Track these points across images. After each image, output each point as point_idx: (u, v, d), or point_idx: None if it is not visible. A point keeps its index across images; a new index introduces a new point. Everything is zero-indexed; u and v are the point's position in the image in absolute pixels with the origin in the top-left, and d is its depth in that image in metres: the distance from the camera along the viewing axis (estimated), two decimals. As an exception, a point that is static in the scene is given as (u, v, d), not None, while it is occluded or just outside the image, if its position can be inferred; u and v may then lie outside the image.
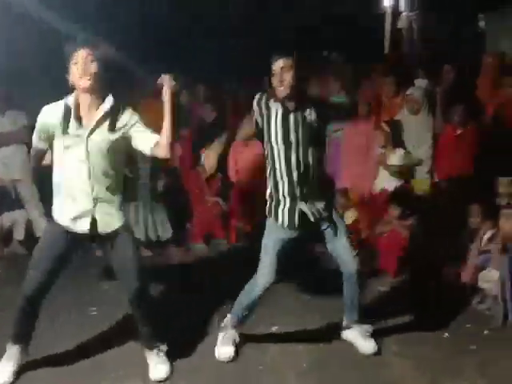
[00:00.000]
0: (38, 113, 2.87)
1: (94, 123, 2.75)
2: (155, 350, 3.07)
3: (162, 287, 4.25)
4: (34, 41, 6.78)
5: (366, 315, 3.42)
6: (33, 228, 5.60)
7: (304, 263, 4.41)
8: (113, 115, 2.79)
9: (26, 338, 3.05)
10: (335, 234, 3.12)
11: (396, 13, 8.39)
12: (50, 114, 2.79)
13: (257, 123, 3.06)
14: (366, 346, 3.26)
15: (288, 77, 2.89)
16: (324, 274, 4.13)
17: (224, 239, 5.52)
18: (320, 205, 3.07)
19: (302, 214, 3.04)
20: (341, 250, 3.14)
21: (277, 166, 3.02)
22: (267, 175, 3.12)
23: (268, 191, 3.13)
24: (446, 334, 3.49)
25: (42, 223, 5.58)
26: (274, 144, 3.01)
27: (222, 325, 3.31)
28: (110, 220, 2.87)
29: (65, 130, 2.74)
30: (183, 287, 4.32)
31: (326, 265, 4.17)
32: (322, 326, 3.57)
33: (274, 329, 3.57)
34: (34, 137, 2.92)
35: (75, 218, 2.82)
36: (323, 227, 3.12)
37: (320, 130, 3.06)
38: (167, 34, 7.84)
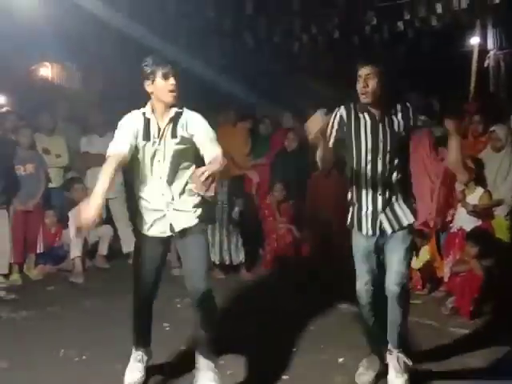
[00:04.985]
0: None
1: (162, 131, 2.93)
2: (207, 361, 3.08)
3: (233, 309, 4.36)
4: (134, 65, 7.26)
5: (437, 356, 3.35)
6: (121, 244, 5.95)
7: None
8: (177, 122, 2.94)
9: (147, 342, 3.26)
10: (397, 247, 3.06)
11: (483, 51, 8.26)
12: (133, 121, 2.97)
13: (337, 134, 3.02)
14: (395, 381, 3.14)
15: (372, 83, 2.91)
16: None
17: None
18: (399, 215, 3.05)
19: (381, 224, 3.04)
20: (394, 264, 3.05)
21: (361, 175, 3.03)
22: (349, 184, 3.12)
23: (349, 198, 3.14)
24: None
25: (130, 240, 5.95)
26: (361, 153, 3.01)
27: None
28: (183, 219, 2.99)
29: (146, 138, 2.92)
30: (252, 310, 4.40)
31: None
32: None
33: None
34: (118, 138, 2.92)
35: (155, 222, 2.99)
36: (391, 237, 3.07)
37: (406, 139, 3.08)
38: (254, 64, 8.15)
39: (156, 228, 3.01)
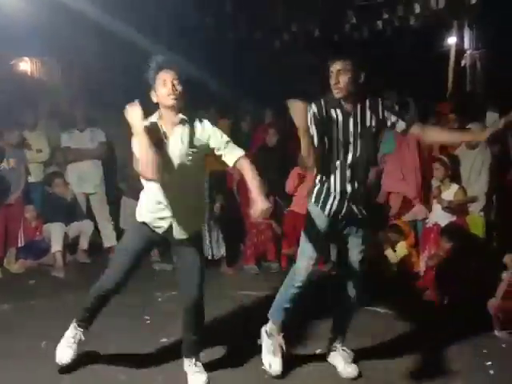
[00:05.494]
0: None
1: (173, 138, 2.95)
2: (194, 359, 3.20)
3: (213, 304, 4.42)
4: (113, 61, 7.26)
5: (413, 348, 3.47)
6: (101, 238, 5.99)
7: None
8: (189, 129, 2.97)
9: (89, 324, 3.32)
10: (359, 240, 3.16)
11: (460, 51, 8.43)
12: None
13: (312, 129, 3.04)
14: (348, 370, 3.27)
15: (344, 79, 2.93)
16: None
17: (276, 262, 5.68)
18: (361, 206, 3.14)
19: (346, 211, 3.11)
20: (354, 257, 3.17)
21: (333, 167, 3.08)
22: (319, 170, 3.15)
23: (318, 179, 3.16)
24: (491, 372, 3.45)
25: (110, 234, 5.99)
26: (332, 148, 3.06)
27: (266, 330, 3.33)
28: (186, 226, 3.05)
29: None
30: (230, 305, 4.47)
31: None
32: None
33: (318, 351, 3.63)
34: None
35: (159, 220, 3.03)
36: (352, 228, 3.16)
37: (377, 136, 3.13)
38: (235, 61, 8.19)
39: (157, 222, 3.04)
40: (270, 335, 3.32)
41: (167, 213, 3.02)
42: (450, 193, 5.01)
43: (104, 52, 7.14)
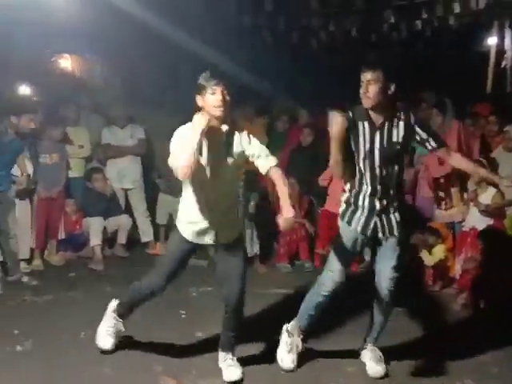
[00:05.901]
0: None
1: (216, 145, 3.01)
2: (230, 354, 3.32)
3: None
4: (155, 59, 7.39)
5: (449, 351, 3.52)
6: (139, 233, 6.13)
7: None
8: (231, 141, 3.05)
9: (128, 316, 3.54)
10: (390, 255, 3.19)
11: (500, 51, 8.28)
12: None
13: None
14: (375, 368, 3.31)
15: (373, 89, 2.97)
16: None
17: (309, 261, 5.70)
18: (392, 222, 3.16)
19: (374, 227, 3.15)
20: (386, 271, 3.20)
21: (361, 178, 3.13)
22: (350, 186, 3.21)
23: (345, 196, 3.23)
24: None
25: (147, 229, 6.10)
26: (359, 160, 3.11)
27: (287, 329, 3.43)
28: (229, 232, 3.19)
29: (200, 152, 2.96)
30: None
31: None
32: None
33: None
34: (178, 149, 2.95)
35: (201, 233, 3.16)
36: (383, 243, 3.19)
37: (404, 149, 3.15)
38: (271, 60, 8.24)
39: (201, 238, 3.17)
40: (290, 334, 3.42)
41: (209, 224, 3.11)
42: (487, 196, 4.93)
43: (146, 50, 7.27)
